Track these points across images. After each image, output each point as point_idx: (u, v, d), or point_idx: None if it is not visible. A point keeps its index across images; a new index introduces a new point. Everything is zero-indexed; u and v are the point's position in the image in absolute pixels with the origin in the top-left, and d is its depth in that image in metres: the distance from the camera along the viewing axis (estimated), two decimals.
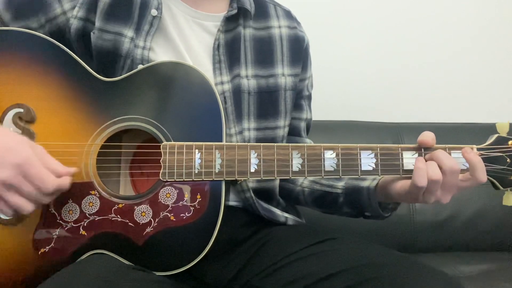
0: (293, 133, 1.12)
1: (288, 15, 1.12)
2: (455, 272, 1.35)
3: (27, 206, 0.77)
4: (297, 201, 1.11)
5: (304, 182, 1.09)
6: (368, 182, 0.95)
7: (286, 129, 1.08)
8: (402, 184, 0.88)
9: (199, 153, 0.85)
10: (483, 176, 0.84)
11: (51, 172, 0.78)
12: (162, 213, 0.84)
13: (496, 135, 0.89)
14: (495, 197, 0.95)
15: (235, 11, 1.01)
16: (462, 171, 0.85)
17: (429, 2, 1.77)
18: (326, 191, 1.04)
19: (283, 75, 1.05)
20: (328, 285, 0.80)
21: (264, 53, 1.05)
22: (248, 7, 1.03)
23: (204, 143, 0.85)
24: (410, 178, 0.85)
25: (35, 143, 0.80)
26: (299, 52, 1.09)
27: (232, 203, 0.99)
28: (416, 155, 0.86)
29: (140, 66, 0.92)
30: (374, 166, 0.86)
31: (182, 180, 0.85)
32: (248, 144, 0.86)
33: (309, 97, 1.17)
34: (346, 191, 1.00)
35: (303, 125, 1.14)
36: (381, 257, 0.82)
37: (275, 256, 0.90)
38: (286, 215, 1.05)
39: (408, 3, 1.77)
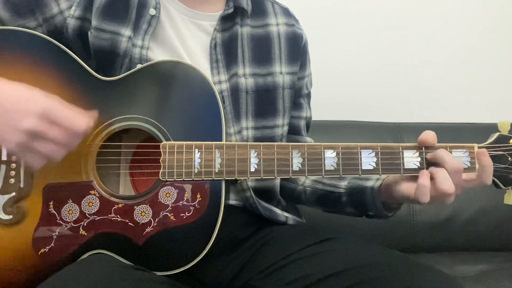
0: (293, 132, 1.12)
1: (286, 12, 1.12)
2: (455, 272, 1.35)
3: (58, 152, 0.77)
4: (299, 200, 1.11)
5: (306, 181, 1.09)
6: (372, 182, 0.95)
7: (285, 128, 1.07)
8: (407, 187, 0.87)
9: (199, 153, 0.85)
10: (488, 179, 0.84)
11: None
12: (162, 213, 0.84)
13: (497, 134, 0.89)
14: (495, 197, 0.95)
15: (231, 10, 1.01)
16: (465, 170, 0.85)
17: (430, 2, 1.78)
18: (329, 190, 1.03)
19: (281, 73, 1.05)
20: (328, 285, 0.80)
21: (262, 51, 1.04)
22: (245, 5, 1.03)
23: (203, 142, 0.85)
24: (412, 177, 0.85)
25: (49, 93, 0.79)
26: (297, 50, 1.09)
27: (232, 202, 0.99)
28: (417, 153, 0.86)
29: (139, 65, 0.92)
30: (375, 165, 0.86)
31: (182, 179, 0.84)
32: (248, 143, 0.86)
33: (308, 95, 1.16)
34: (350, 191, 1.00)
35: (303, 123, 1.14)
36: (381, 257, 0.82)
37: (275, 256, 0.90)
38: (287, 214, 1.04)
39: (409, 3, 1.77)
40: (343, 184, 1.01)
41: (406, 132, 1.60)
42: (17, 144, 0.75)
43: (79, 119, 0.77)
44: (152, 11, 0.97)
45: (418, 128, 0.96)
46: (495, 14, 1.80)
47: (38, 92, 0.77)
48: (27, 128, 0.74)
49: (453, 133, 1.55)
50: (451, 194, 0.81)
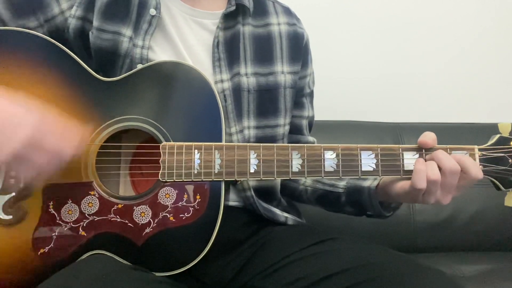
0: (295, 131, 1.12)
1: (287, 11, 1.12)
2: (455, 272, 1.35)
3: (40, 176, 0.76)
4: (301, 199, 1.11)
5: (307, 181, 1.09)
6: (369, 182, 0.96)
7: (287, 127, 1.07)
8: (401, 185, 0.88)
9: (198, 154, 0.85)
10: (478, 173, 0.84)
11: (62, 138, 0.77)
12: (162, 214, 0.84)
13: (498, 136, 0.89)
14: (495, 197, 0.95)
15: (233, 8, 1.01)
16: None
17: (430, 2, 1.77)
18: (328, 190, 1.04)
19: (283, 72, 1.05)
20: (328, 285, 0.80)
21: (263, 51, 1.04)
22: (247, 3, 1.03)
23: (203, 143, 0.85)
24: (410, 178, 0.85)
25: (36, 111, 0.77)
26: (298, 49, 1.09)
27: (232, 203, 0.99)
28: (417, 155, 0.86)
29: (140, 66, 0.92)
30: (375, 167, 0.86)
31: (181, 180, 0.84)
32: (248, 144, 0.86)
33: (310, 95, 1.16)
34: (348, 191, 1.00)
35: (305, 123, 1.14)
36: (381, 257, 0.82)
37: (275, 256, 0.90)
38: (286, 215, 1.04)
39: (409, 3, 1.77)
40: (342, 184, 1.02)
41: (406, 132, 1.60)
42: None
43: (66, 144, 0.76)
44: (152, 11, 0.96)
45: (418, 128, 0.96)
46: (495, 15, 1.80)
47: (31, 115, 0.75)
48: (9, 152, 0.72)
49: (453, 133, 1.55)
50: (435, 181, 0.82)
